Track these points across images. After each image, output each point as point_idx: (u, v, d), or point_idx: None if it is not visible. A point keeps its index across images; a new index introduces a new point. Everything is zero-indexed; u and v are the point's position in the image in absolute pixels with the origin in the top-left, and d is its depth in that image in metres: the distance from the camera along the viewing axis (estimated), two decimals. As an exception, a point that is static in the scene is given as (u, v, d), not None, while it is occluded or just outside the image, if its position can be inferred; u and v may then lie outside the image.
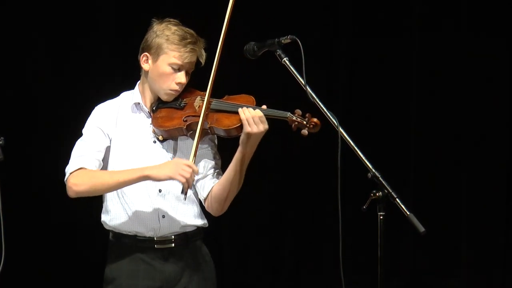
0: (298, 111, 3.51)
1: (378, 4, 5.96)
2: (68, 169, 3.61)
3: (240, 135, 3.54)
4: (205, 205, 3.70)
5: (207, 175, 3.68)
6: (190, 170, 3.46)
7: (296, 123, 3.50)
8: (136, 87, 3.77)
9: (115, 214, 3.69)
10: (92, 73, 5.61)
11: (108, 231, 3.75)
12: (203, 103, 3.58)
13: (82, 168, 3.58)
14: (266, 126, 3.49)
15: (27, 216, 5.49)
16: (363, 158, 3.34)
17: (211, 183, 3.66)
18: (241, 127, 3.51)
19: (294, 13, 5.88)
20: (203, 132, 3.62)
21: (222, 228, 5.67)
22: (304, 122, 3.48)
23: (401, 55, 5.97)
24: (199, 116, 3.56)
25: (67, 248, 5.58)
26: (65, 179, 3.62)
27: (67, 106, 5.45)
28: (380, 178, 3.29)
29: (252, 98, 3.59)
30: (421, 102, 5.99)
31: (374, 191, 3.28)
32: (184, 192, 3.50)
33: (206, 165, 3.69)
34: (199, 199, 3.73)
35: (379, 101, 5.95)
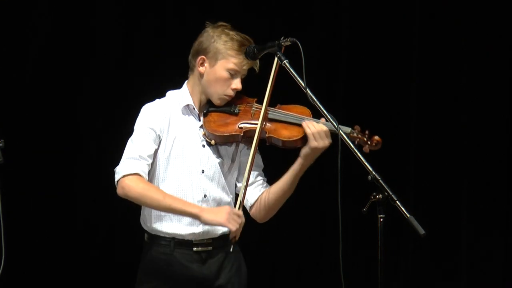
0: (358, 127, 3.54)
1: (378, 6, 5.93)
2: (121, 170, 3.56)
3: (295, 147, 3.55)
4: (251, 212, 3.71)
5: (255, 183, 3.70)
6: (240, 220, 3.50)
7: (358, 139, 3.52)
8: (185, 87, 3.72)
9: (157, 216, 3.64)
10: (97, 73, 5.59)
11: (144, 231, 3.72)
12: (259, 111, 3.58)
13: (137, 174, 3.55)
14: (330, 141, 3.50)
15: (27, 219, 5.46)
16: (363, 160, 3.33)
17: (258, 192, 3.69)
18: (301, 140, 3.52)
19: (294, 15, 5.86)
20: (249, 141, 3.61)
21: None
22: (365, 139, 3.52)
23: (401, 57, 5.96)
24: (256, 124, 3.56)
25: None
26: (117, 179, 3.57)
27: (73, 108, 5.44)
28: (380, 180, 3.28)
29: (308, 110, 3.60)
30: (421, 104, 5.98)
31: (374, 194, 3.27)
32: (232, 242, 3.57)
33: (254, 173, 3.70)
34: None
35: (378, 103, 5.93)
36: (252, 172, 3.66)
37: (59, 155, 5.27)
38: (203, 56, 3.64)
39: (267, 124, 3.58)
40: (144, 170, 3.56)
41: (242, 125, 3.59)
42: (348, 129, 3.53)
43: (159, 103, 3.69)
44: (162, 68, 5.41)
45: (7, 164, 3.50)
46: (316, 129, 3.48)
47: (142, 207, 3.69)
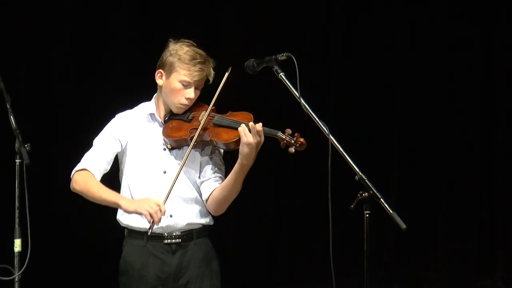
0: (288, 130, 3.52)
1: (368, 20, 6.00)
2: (76, 167, 3.66)
3: (236, 149, 3.55)
4: (206, 205, 3.72)
5: (210, 179, 3.70)
6: (157, 208, 3.49)
7: (285, 141, 3.50)
8: (153, 99, 3.80)
9: (128, 213, 3.69)
10: (111, 84, 5.65)
11: (123, 228, 3.77)
12: (207, 117, 3.62)
13: (86, 169, 3.63)
14: (262, 139, 3.51)
15: (50, 217, 5.53)
16: (351, 162, 3.36)
17: (212, 187, 3.69)
18: (238, 141, 3.52)
19: (289, 30, 5.92)
20: (205, 144, 3.68)
21: (224, 225, 5.71)
22: (292, 141, 3.49)
23: (386, 73, 6.01)
24: (202, 129, 3.60)
25: (88, 244, 5.61)
26: (71, 175, 3.67)
27: (87, 115, 5.48)
28: (366, 180, 3.30)
29: (251, 115, 3.60)
30: (403, 114, 6.03)
31: (361, 192, 3.29)
32: (150, 227, 3.54)
33: (210, 170, 3.71)
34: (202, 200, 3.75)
35: (365, 111, 5.99)
36: (209, 169, 3.70)
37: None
38: (160, 70, 3.72)
39: (211, 129, 3.62)
40: (95, 168, 3.63)
41: (191, 130, 3.64)
42: (277, 132, 3.52)
43: (127, 113, 3.79)
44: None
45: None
46: (248, 127, 3.49)
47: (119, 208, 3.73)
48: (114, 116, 3.80)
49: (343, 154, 3.38)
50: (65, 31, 5.69)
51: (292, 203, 5.99)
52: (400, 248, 6.01)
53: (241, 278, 5.82)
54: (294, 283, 6.08)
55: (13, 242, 3.70)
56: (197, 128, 3.62)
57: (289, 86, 3.51)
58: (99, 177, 3.67)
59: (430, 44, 6.04)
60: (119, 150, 3.72)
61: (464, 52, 6.05)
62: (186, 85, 3.67)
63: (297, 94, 3.46)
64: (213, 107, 3.68)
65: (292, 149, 3.50)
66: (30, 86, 5.59)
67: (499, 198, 6.04)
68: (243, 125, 3.52)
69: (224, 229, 5.68)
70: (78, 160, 3.69)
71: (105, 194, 3.60)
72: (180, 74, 3.66)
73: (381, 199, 3.28)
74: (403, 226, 3.25)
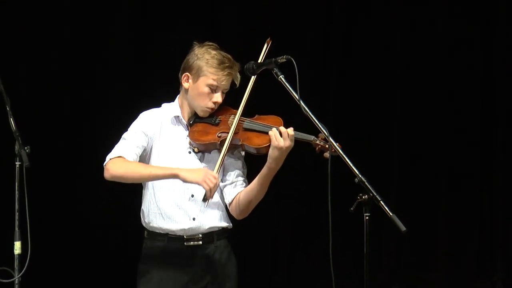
0: (322, 135, 3.52)
1: (368, 20, 6.00)
2: (109, 156, 3.64)
3: (267, 154, 3.55)
4: (229, 209, 3.73)
5: (234, 183, 3.72)
6: (215, 181, 3.49)
7: (320, 146, 3.52)
8: (176, 100, 3.80)
9: (152, 215, 3.71)
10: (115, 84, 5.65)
11: (144, 229, 3.78)
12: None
13: (121, 156, 3.62)
14: (292, 143, 3.52)
15: (50, 220, 5.50)
16: (351, 164, 3.36)
17: (236, 190, 3.71)
18: (269, 146, 3.52)
19: (289, 30, 5.92)
20: (235, 148, 3.67)
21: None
22: (327, 146, 3.49)
23: (385, 76, 6.01)
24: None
25: (88, 247, 5.60)
26: (104, 164, 3.64)
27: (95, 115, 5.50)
28: (366, 182, 3.31)
29: (281, 119, 3.61)
30: (403, 115, 6.02)
31: (361, 194, 3.30)
32: (206, 199, 3.54)
33: (234, 174, 3.72)
34: (225, 203, 3.76)
35: (365, 114, 5.99)
36: (232, 173, 3.71)
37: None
38: (187, 73, 3.72)
39: (241, 133, 3.62)
40: (129, 155, 3.62)
41: (220, 134, 3.64)
42: (311, 137, 3.54)
43: (154, 111, 3.78)
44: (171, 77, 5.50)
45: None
46: (278, 131, 3.50)
47: (142, 206, 3.75)
48: (140, 114, 3.78)
49: (343, 156, 3.39)
50: (65, 31, 5.68)
51: (292, 205, 5.99)
52: (400, 250, 6.01)
53: (241, 280, 5.81)
54: (293, 286, 6.08)
55: (13, 245, 3.71)
56: (226, 132, 3.62)
57: (289, 89, 3.52)
58: None
59: (430, 44, 6.03)
60: (146, 145, 3.71)
61: (464, 52, 6.05)
62: (214, 89, 3.69)
63: (297, 97, 3.46)
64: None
65: (327, 154, 3.50)
66: (29, 88, 5.58)
67: (499, 198, 6.02)
68: (274, 129, 3.52)
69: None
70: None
71: (155, 169, 3.59)
72: (209, 78, 3.68)
73: (381, 201, 3.28)
74: (403, 228, 3.26)
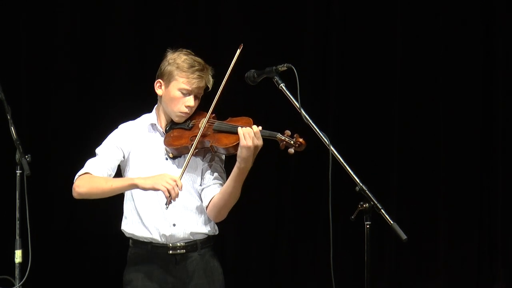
0: (288, 132, 3.51)
1: (365, 30, 6.00)
2: (78, 173, 3.65)
3: (236, 153, 3.55)
4: (207, 212, 3.71)
5: (210, 185, 3.71)
6: (174, 183, 3.48)
7: (284, 142, 3.50)
8: (154, 110, 3.83)
9: (132, 223, 3.72)
10: (112, 96, 5.65)
11: (128, 238, 3.77)
12: (206, 124, 3.64)
13: (87, 173, 3.63)
14: (260, 142, 3.51)
15: (51, 228, 5.52)
16: (352, 173, 3.35)
17: (212, 193, 3.69)
18: (238, 145, 3.52)
19: (289, 31, 5.91)
20: (207, 151, 3.69)
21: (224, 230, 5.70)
22: (291, 142, 3.48)
23: (384, 82, 6.00)
24: (202, 135, 3.61)
25: (88, 255, 5.61)
26: (74, 180, 3.65)
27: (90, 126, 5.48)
28: (366, 191, 3.31)
29: (250, 119, 3.61)
30: (403, 123, 6.01)
31: (362, 203, 3.30)
32: (166, 202, 3.52)
33: (211, 177, 3.72)
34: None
35: (365, 122, 5.97)
36: (210, 176, 3.71)
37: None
38: (159, 80, 3.74)
39: (211, 135, 3.63)
40: (98, 172, 3.62)
41: (192, 138, 3.64)
42: (276, 134, 3.51)
43: (130, 123, 3.81)
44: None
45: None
46: (247, 131, 3.50)
47: (123, 216, 3.76)
48: (117, 127, 3.81)
49: (344, 164, 3.38)
50: (65, 34, 5.68)
51: (293, 214, 5.97)
52: (400, 258, 5.96)
53: (241, 283, 5.81)
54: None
55: (13, 253, 3.71)
56: (197, 135, 3.62)
57: (290, 97, 3.52)
58: None
59: (430, 44, 6.02)
60: (122, 159, 3.73)
61: (464, 51, 6.03)
62: (186, 93, 3.70)
63: (298, 105, 3.47)
64: (213, 115, 3.69)
65: (291, 150, 3.50)
66: (30, 96, 5.58)
67: (499, 198, 6.01)
68: (240, 128, 3.52)
69: (224, 233, 5.66)
70: (79, 171, 3.68)
71: (115, 183, 3.59)
72: (179, 82, 3.69)
73: (382, 209, 3.28)
74: (404, 237, 3.26)
